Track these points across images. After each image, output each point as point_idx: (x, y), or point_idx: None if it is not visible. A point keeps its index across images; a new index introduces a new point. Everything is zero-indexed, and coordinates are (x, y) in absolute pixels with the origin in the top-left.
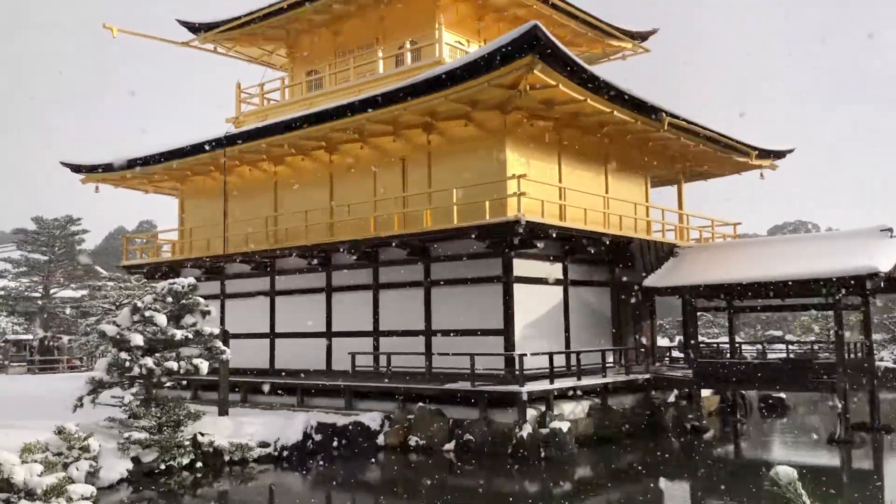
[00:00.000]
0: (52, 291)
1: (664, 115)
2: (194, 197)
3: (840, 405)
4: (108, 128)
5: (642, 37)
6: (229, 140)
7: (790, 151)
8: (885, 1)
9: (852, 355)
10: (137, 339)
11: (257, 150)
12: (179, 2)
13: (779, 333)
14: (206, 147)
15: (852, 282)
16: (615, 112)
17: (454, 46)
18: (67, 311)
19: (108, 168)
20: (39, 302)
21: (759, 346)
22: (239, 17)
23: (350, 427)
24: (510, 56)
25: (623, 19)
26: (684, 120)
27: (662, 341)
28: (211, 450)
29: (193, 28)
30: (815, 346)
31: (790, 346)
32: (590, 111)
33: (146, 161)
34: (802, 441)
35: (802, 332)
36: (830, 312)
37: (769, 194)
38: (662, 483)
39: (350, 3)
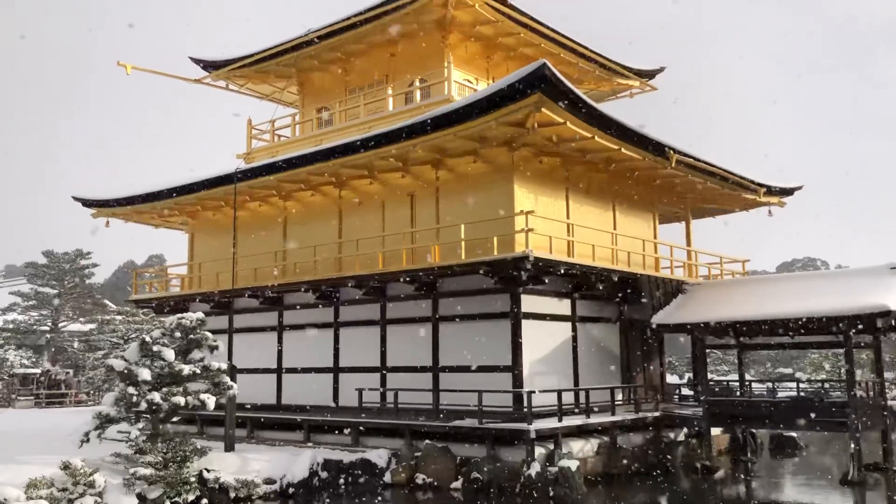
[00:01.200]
0: (60, 325)
1: (672, 152)
2: (204, 231)
3: (852, 445)
4: (120, 162)
5: (649, 75)
6: (240, 176)
7: (798, 189)
8: (889, 40)
9: (864, 394)
10: (145, 374)
11: (267, 186)
12: (191, 40)
13: (789, 371)
14: (217, 183)
15: (863, 320)
16: (622, 149)
17: (463, 84)
18: (75, 344)
19: (118, 203)
20: (48, 335)
21: (770, 385)
22: (251, 55)
23: (357, 464)
24: (518, 94)
25: (631, 58)
26: (692, 157)
27: (671, 378)
28: (217, 486)
29: (206, 65)
30: (826, 385)
31: (801, 385)
32: (597, 148)
33: (157, 196)
34: (814, 481)
35: (813, 370)
36: (841, 350)
37: (778, 231)
38: None
39: (360, 42)
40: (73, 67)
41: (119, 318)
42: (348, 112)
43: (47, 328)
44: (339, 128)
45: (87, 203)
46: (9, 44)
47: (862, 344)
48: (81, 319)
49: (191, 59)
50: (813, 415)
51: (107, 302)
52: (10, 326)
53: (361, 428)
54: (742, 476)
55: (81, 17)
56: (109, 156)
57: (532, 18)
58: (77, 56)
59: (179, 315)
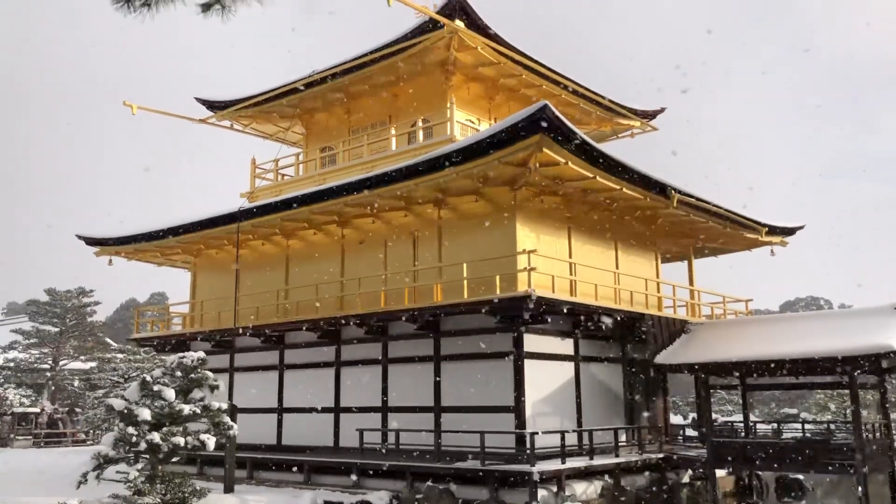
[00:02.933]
0: (61, 363)
1: (673, 191)
2: (206, 270)
3: (860, 488)
4: (124, 200)
5: (650, 116)
6: (243, 214)
7: (800, 228)
8: (883, 85)
9: (870, 435)
10: (145, 414)
11: (270, 225)
12: (196, 80)
13: (794, 411)
14: (221, 221)
15: (868, 360)
16: (624, 189)
17: (465, 124)
18: (76, 383)
19: (121, 241)
20: (48, 374)
21: (775, 425)
22: (255, 96)
23: None
24: (520, 135)
25: (631, 99)
26: (693, 197)
27: (675, 419)
28: None
29: (211, 106)
30: (832, 426)
31: (806, 426)
32: (599, 188)
33: (160, 234)
34: None
35: (818, 411)
36: (846, 391)
37: (780, 271)
38: None
39: (364, 83)
40: (79, 106)
41: (120, 356)
42: (352, 152)
43: (48, 366)
44: (343, 167)
45: (91, 241)
46: (13, 80)
47: (867, 384)
48: (82, 358)
49: (196, 99)
50: (819, 457)
51: (108, 340)
52: (11, 365)
53: (362, 469)
54: None
55: (87, 56)
56: (113, 194)
57: (533, 60)
58: (81, 94)
59: (180, 354)
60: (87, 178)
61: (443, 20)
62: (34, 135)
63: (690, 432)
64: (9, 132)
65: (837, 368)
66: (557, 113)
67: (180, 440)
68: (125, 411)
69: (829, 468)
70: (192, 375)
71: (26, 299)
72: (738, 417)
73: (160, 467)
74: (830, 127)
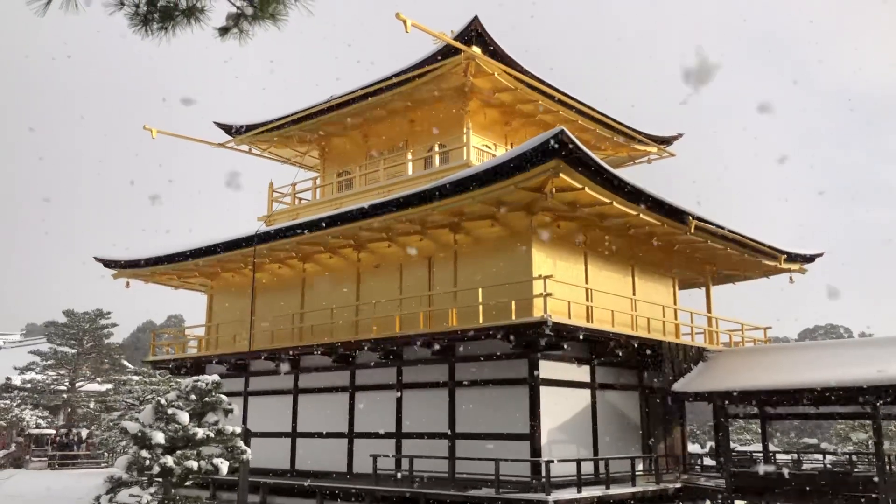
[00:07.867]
0: (77, 385)
1: (690, 218)
2: (223, 293)
3: None
4: (142, 223)
5: (667, 141)
6: (261, 238)
7: (819, 255)
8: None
9: (893, 467)
10: (159, 438)
11: (287, 248)
12: (212, 105)
13: (814, 441)
14: (237, 245)
15: (891, 391)
16: (641, 215)
17: (481, 150)
18: (91, 405)
19: (139, 264)
20: (65, 395)
21: (795, 456)
22: (274, 121)
23: None
24: (536, 160)
25: (650, 126)
26: (711, 223)
27: (693, 448)
28: None
29: (230, 130)
30: (854, 457)
31: (827, 456)
32: (615, 213)
33: (177, 258)
34: None
35: (839, 441)
36: (868, 421)
37: (799, 298)
38: None
39: (381, 108)
40: (97, 129)
41: (136, 378)
42: (368, 176)
43: (65, 388)
44: (359, 191)
45: (109, 264)
46: (30, 105)
47: (890, 415)
48: (99, 379)
49: (215, 123)
50: (841, 489)
51: (125, 362)
52: (28, 386)
53: (377, 496)
54: None
55: (103, 83)
56: (132, 217)
57: (550, 86)
58: (99, 119)
59: (195, 377)
60: (106, 200)
61: (460, 46)
62: (51, 158)
63: (708, 461)
64: (27, 157)
65: (860, 398)
66: (574, 138)
67: (193, 464)
68: (139, 434)
69: (852, 501)
70: (207, 399)
71: (45, 321)
72: (757, 447)
73: (173, 491)
74: (845, 154)
